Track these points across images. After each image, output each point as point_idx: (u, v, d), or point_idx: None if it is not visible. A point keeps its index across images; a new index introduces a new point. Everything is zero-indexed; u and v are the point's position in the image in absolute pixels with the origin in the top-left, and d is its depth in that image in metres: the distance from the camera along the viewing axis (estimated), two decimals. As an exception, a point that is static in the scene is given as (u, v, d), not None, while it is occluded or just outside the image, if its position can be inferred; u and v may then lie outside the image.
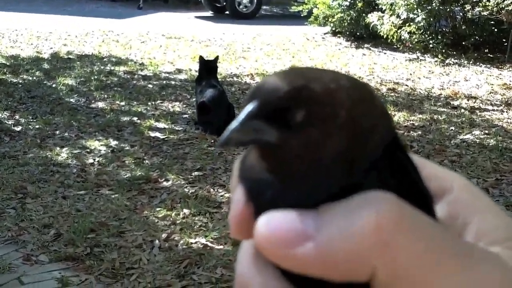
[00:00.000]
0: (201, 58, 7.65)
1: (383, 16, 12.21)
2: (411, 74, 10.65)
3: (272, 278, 0.43)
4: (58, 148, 6.41)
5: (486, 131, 7.30)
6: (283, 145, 0.42)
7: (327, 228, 0.40)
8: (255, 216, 0.43)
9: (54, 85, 9.03)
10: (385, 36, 12.14)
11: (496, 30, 11.98)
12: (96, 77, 9.63)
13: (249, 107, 0.42)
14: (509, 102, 8.81)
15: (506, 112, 8.27)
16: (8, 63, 10.51)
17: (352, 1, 13.33)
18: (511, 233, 0.45)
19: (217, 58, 7.79)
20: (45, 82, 9.27)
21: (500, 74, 10.84)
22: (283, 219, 0.41)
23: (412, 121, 7.70)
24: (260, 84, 0.43)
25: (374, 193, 0.40)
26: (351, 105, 0.43)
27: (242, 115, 0.42)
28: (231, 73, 10.34)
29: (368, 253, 0.38)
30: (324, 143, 0.42)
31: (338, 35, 14.32)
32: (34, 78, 9.55)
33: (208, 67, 7.43)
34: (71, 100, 8.35)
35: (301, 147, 0.42)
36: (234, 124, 0.42)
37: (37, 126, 7.13)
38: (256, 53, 12.36)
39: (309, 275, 0.40)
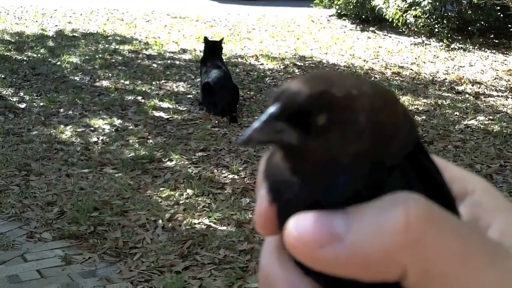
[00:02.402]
0: (206, 39, 7.65)
1: (389, -1, 12.17)
2: (416, 58, 10.62)
3: (294, 272, 0.44)
4: (62, 126, 6.42)
5: (491, 117, 7.29)
6: (303, 147, 0.43)
7: (356, 228, 0.40)
8: (278, 213, 0.45)
9: (58, 63, 9.04)
10: (390, 19, 12.09)
11: (502, 15, 11.94)
12: (100, 55, 9.62)
13: (271, 109, 0.43)
14: (514, 88, 8.81)
15: (511, 98, 8.25)
16: (12, 40, 10.51)
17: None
18: None
19: (222, 39, 7.81)
20: (49, 59, 9.28)
21: (505, 60, 10.81)
22: (312, 219, 0.41)
23: (417, 105, 7.70)
24: (283, 87, 0.44)
25: (401, 193, 0.41)
26: (372, 111, 0.43)
27: (264, 116, 0.43)
28: (236, 54, 10.32)
29: (399, 252, 0.39)
30: (344, 147, 0.43)
31: (343, 18, 14.28)
32: (39, 55, 9.55)
33: (213, 48, 7.43)
34: (76, 78, 8.36)
35: (320, 150, 0.43)
36: (256, 123, 0.43)
37: (41, 104, 7.13)
38: (261, 35, 12.33)
39: (340, 275, 0.41)
